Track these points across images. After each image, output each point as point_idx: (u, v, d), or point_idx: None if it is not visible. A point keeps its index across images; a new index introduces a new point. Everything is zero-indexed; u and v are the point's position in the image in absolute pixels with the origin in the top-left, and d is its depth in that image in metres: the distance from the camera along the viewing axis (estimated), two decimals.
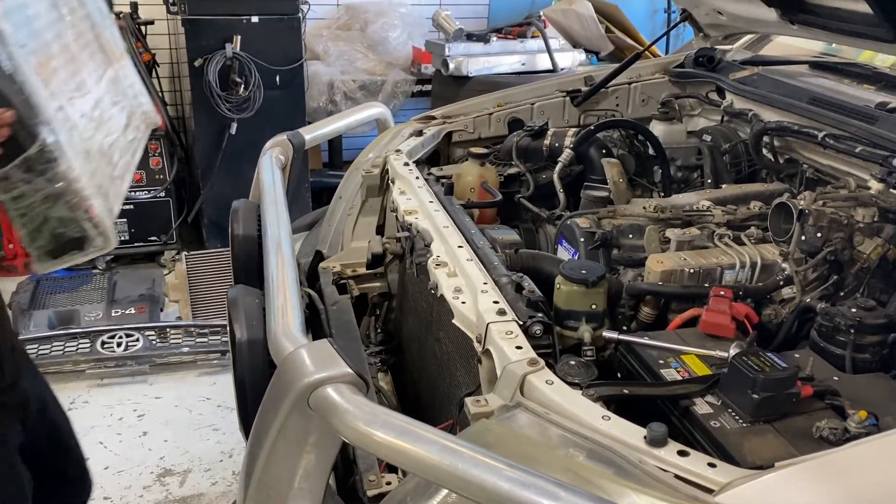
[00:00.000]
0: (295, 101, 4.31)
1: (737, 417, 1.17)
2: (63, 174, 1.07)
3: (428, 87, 4.90)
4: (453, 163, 2.48)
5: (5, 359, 1.66)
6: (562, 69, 4.54)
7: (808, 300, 1.57)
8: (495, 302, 1.38)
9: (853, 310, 1.42)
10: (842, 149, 1.91)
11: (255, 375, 1.34)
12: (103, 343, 3.36)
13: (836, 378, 1.32)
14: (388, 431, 1.01)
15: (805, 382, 1.22)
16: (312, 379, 1.08)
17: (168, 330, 3.48)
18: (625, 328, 1.66)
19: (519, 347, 1.25)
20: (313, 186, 4.51)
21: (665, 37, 6.21)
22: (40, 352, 3.40)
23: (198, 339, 3.47)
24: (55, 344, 3.40)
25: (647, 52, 5.21)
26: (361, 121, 2.48)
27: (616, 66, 2.64)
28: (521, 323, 1.32)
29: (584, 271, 1.46)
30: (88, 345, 3.37)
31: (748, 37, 2.74)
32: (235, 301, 1.39)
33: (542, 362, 1.21)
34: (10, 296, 3.93)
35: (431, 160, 2.48)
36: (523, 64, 4.54)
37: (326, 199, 2.84)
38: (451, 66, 4.36)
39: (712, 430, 1.16)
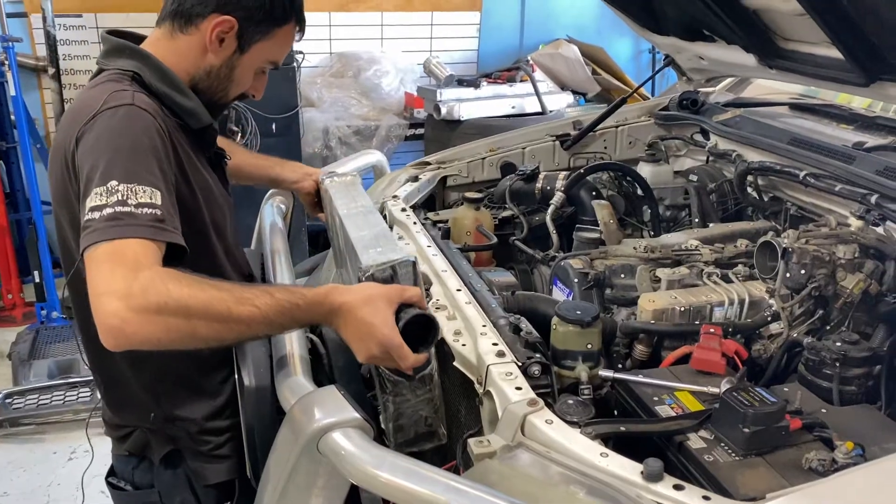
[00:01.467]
0: (291, 147, 4.40)
1: (729, 451, 1.22)
2: (436, 384, 1.38)
3: (421, 131, 5.01)
4: (448, 207, 2.55)
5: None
6: (551, 111, 4.66)
7: (795, 335, 1.63)
8: (494, 344, 1.43)
9: (838, 343, 1.48)
10: (822, 187, 1.99)
11: (264, 421, 1.38)
12: None
13: (823, 410, 1.37)
14: (395, 473, 1.06)
15: (794, 415, 1.27)
16: (321, 424, 1.13)
17: None
18: (620, 366, 1.71)
19: (519, 388, 1.30)
20: (310, 230, 4.58)
21: (650, 80, 6.40)
22: (41, 402, 3.43)
23: None
24: (55, 393, 3.43)
25: (628, 88, 5.37)
26: (359, 169, 2.54)
27: (603, 110, 2.73)
28: (519, 364, 1.37)
29: (579, 312, 1.51)
30: (89, 393, 3.40)
31: (730, 79, 2.84)
32: (243, 349, 1.43)
33: (542, 402, 1.26)
34: (10, 346, 3.96)
35: (427, 204, 2.54)
36: (513, 107, 4.65)
37: (323, 241, 2.88)
38: (444, 110, 4.46)
39: (706, 464, 1.20)
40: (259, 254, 1.94)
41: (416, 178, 2.47)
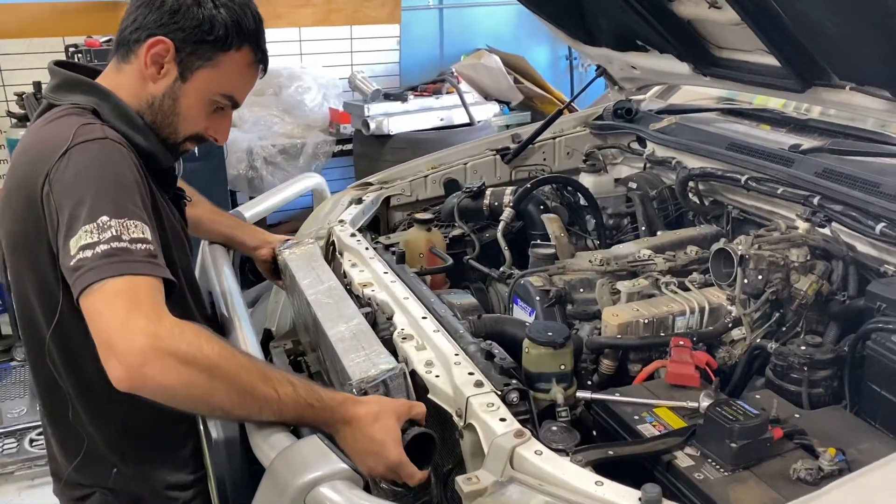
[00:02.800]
0: (216, 170, 4.24)
1: (717, 467, 1.22)
2: (433, 486, 1.40)
3: (349, 147, 4.92)
4: (394, 227, 2.50)
5: None
6: (479, 122, 4.66)
7: (758, 340, 1.66)
8: (470, 373, 1.39)
9: (802, 347, 1.51)
10: (764, 191, 2.04)
11: (235, 475, 1.30)
12: (31, 441, 3.18)
13: (797, 415, 1.39)
14: None
15: (774, 424, 1.28)
16: (308, 479, 1.08)
17: None
18: (589, 382, 1.70)
19: (503, 420, 1.26)
20: (244, 256, 4.43)
21: (570, 85, 6.51)
22: None
23: None
24: None
25: (549, 95, 5.44)
26: (299, 193, 2.47)
27: (527, 118, 2.74)
28: (499, 393, 1.33)
29: (550, 333, 1.49)
30: (15, 444, 3.18)
31: (659, 86, 2.89)
32: None
33: (529, 433, 1.23)
34: None
35: (371, 226, 2.49)
36: (442, 119, 4.63)
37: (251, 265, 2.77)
38: (373, 126, 4.40)
39: (697, 482, 1.19)
40: (207, 291, 1.85)
41: (359, 200, 2.41)
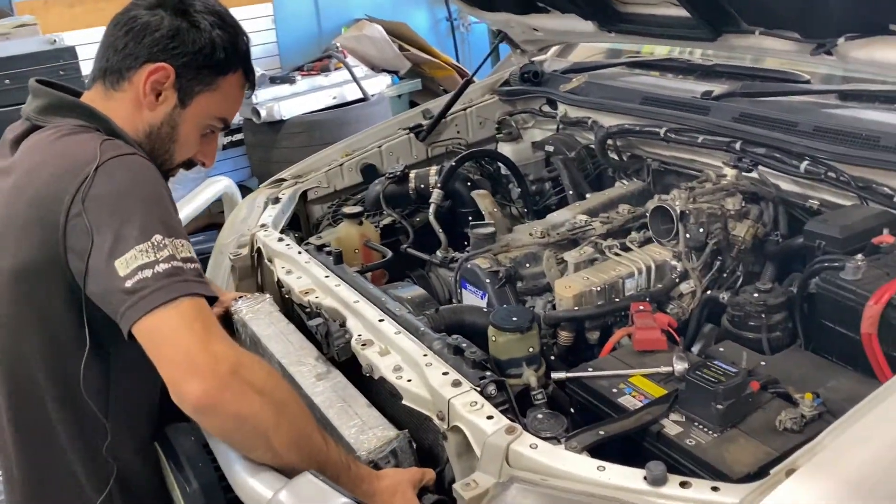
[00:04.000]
0: None
1: (706, 430, 1.23)
2: None
3: (239, 137, 4.71)
4: (317, 223, 2.40)
5: None
6: (372, 95, 4.55)
7: (708, 292, 1.69)
8: (445, 373, 1.34)
9: (755, 294, 1.55)
10: (684, 141, 2.07)
11: None
12: None
13: (763, 363, 1.42)
14: None
15: (749, 377, 1.30)
16: None
17: None
18: (553, 357, 1.69)
19: (490, 417, 1.23)
20: None
21: (454, 46, 6.46)
22: None
23: None
24: None
25: (437, 59, 5.39)
26: (210, 200, 2.33)
27: (448, 96, 2.68)
28: (479, 390, 1.30)
29: (515, 318, 1.46)
30: None
31: (558, 45, 2.88)
32: (172, 449, 1.25)
33: (520, 427, 1.20)
34: None
35: (291, 225, 2.38)
36: (334, 98, 4.49)
37: None
38: (263, 113, 4.22)
39: (690, 448, 1.20)
40: None
41: (276, 200, 2.30)
